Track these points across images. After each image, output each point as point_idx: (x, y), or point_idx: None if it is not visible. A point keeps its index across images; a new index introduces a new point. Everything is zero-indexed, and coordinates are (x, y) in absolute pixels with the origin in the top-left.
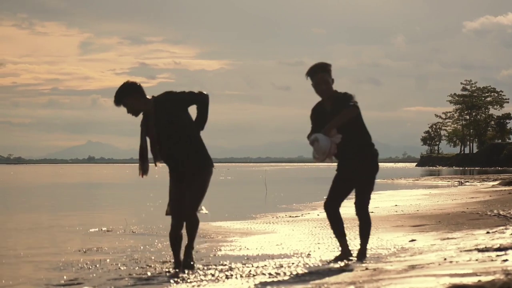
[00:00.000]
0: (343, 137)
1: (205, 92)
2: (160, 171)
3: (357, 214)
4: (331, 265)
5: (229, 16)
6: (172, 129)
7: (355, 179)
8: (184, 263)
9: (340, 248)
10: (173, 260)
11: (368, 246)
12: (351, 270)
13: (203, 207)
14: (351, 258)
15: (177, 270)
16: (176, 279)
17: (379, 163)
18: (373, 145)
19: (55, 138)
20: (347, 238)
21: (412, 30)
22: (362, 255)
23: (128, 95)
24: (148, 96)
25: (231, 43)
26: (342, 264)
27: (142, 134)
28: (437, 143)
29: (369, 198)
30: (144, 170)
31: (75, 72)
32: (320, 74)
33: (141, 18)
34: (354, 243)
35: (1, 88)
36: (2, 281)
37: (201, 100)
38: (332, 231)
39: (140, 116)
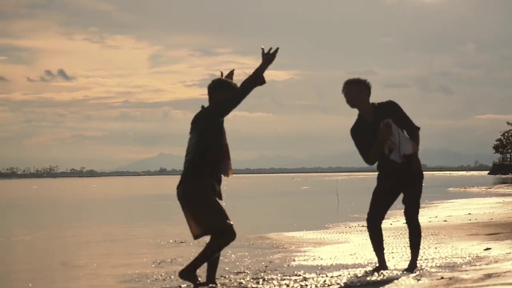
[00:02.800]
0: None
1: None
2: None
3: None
4: (404, 275)
5: (297, 27)
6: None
7: (401, 189)
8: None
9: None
10: None
11: (438, 255)
12: (426, 279)
13: None
14: (386, 271)
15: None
16: None
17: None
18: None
19: (126, 150)
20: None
21: (482, 37)
22: (412, 267)
23: None
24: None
25: (300, 53)
26: (378, 275)
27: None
28: (510, 150)
29: (418, 208)
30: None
31: (145, 85)
32: (354, 85)
33: (210, 30)
34: (428, 252)
35: (74, 102)
36: None
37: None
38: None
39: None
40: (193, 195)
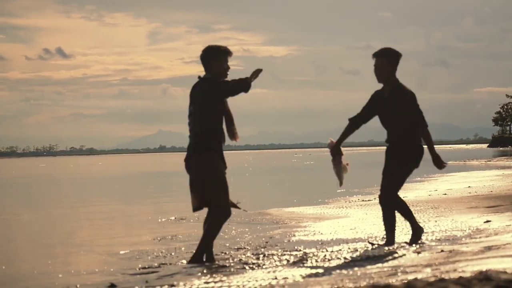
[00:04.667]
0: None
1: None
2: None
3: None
4: (404, 248)
5: (295, 3)
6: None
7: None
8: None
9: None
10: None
11: (438, 229)
12: (426, 253)
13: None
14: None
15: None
16: (251, 266)
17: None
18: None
19: (126, 128)
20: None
21: (480, 10)
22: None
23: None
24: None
25: (298, 29)
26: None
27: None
28: (509, 123)
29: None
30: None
31: (144, 62)
32: (378, 58)
33: (208, 6)
34: (428, 225)
35: (72, 80)
36: (79, 270)
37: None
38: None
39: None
40: (205, 167)
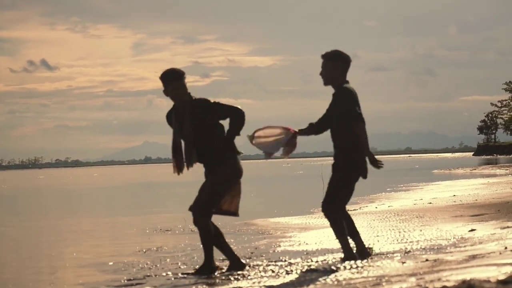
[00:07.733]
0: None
1: (241, 108)
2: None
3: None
4: (389, 258)
5: (280, 12)
6: (203, 130)
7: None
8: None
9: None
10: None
11: (423, 238)
12: (411, 262)
13: None
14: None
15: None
16: (236, 277)
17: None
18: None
19: (111, 140)
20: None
21: (464, 19)
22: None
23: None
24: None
25: (283, 39)
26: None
27: (175, 131)
28: (494, 131)
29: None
30: (180, 168)
31: (129, 73)
32: (323, 61)
33: (193, 17)
34: (413, 235)
35: (57, 92)
36: (64, 283)
37: (236, 114)
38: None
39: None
40: None
